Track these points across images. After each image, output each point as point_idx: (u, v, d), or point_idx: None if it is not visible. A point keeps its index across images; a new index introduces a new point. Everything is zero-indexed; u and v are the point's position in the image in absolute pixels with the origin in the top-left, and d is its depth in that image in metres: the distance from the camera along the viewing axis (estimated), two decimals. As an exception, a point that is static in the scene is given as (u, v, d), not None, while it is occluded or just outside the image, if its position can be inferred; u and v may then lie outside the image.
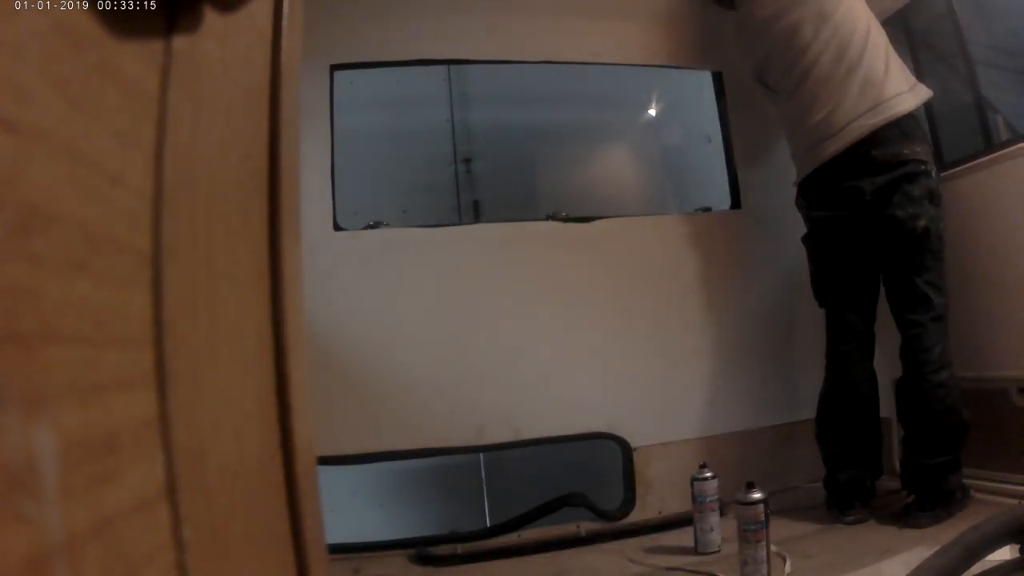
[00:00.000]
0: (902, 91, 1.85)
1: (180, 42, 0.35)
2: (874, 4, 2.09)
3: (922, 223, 1.79)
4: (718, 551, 1.70)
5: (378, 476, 2.63)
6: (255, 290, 0.43)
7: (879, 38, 1.92)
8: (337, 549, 1.89)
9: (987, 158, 1.91)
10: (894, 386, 1.95)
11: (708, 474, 1.74)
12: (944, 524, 1.67)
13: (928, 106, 2.23)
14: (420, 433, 2.00)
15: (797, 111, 1.99)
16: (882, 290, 1.96)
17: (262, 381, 0.43)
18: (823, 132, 1.91)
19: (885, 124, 1.81)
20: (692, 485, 1.74)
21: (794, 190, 2.05)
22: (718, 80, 2.43)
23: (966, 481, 1.82)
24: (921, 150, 1.83)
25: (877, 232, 1.87)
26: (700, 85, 2.58)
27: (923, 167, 1.81)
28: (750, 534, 1.49)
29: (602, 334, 2.17)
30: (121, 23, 0.31)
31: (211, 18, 0.38)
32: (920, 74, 2.22)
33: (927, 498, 1.75)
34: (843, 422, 1.93)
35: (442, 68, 2.75)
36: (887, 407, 2.03)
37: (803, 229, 2.05)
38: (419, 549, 1.87)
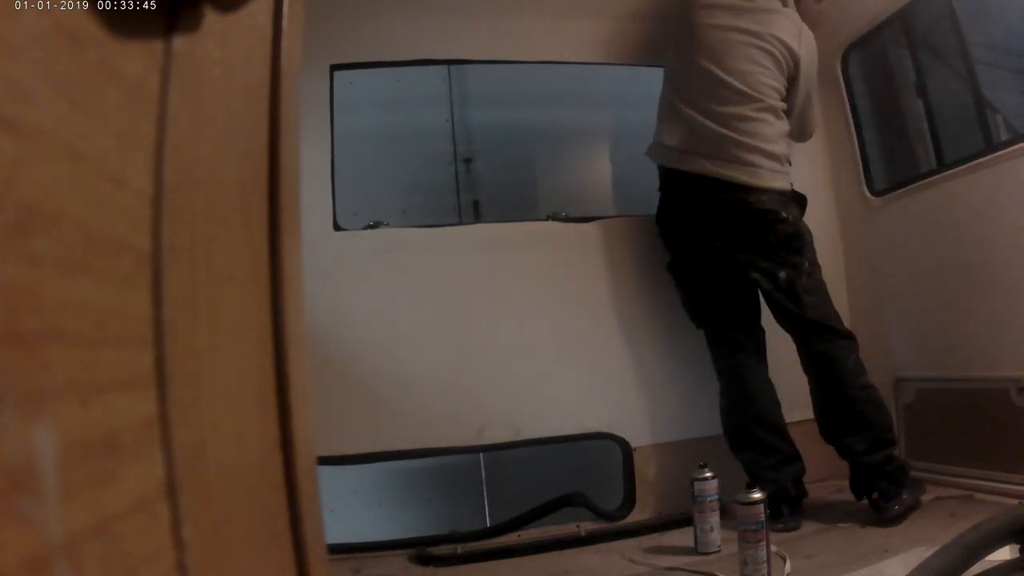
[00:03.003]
0: (769, 167, 1.88)
1: (180, 42, 0.35)
2: (874, 4, 2.10)
3: (783, 275, 1.84)
4: (718, 551, 1.70)
5: (378, 476, 2.63)
6: (255, 290, 0.43)
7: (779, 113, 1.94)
8: (337, 549, 1.89)
9: (987, 158, 1.91)
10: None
11: (708, 474, 1.74)
12: (929, 525, 1.68)
13: (928, 106, 2.23)
14: (420, 433, 2.00)
15: (676, 105, 2.00)
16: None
17: (262, 381, 0.43)
18: (683, 145, 1.94)
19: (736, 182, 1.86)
20: (692, 485, 1.74)
21: None
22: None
23: (968, 481, 1.83)
24: (768, 199, 1.85)
25: (742, 274, 1.91)
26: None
27: (772, 216, 1.85)
28: (750, 534, 1.49)
29: (602, 334, 2.17)
30: (121, 23, 0.31)
31: (211, 18, 0.38)
32: (920, 74, 2.22)
33: (887, 488, 1.77)
34: (749, 432, 1.94)
35: (442, 68, 2.74)
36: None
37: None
38: (419, 549, 1.87)
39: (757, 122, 1.89)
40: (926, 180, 2.14)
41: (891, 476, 1.79)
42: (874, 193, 2.33)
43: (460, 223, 2.76)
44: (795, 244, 1.86)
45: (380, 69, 2.27)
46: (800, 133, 2.11)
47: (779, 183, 1.89)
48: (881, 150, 2.45)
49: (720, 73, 1.91)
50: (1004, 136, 2.00)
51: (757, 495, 1.52)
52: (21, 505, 0.23)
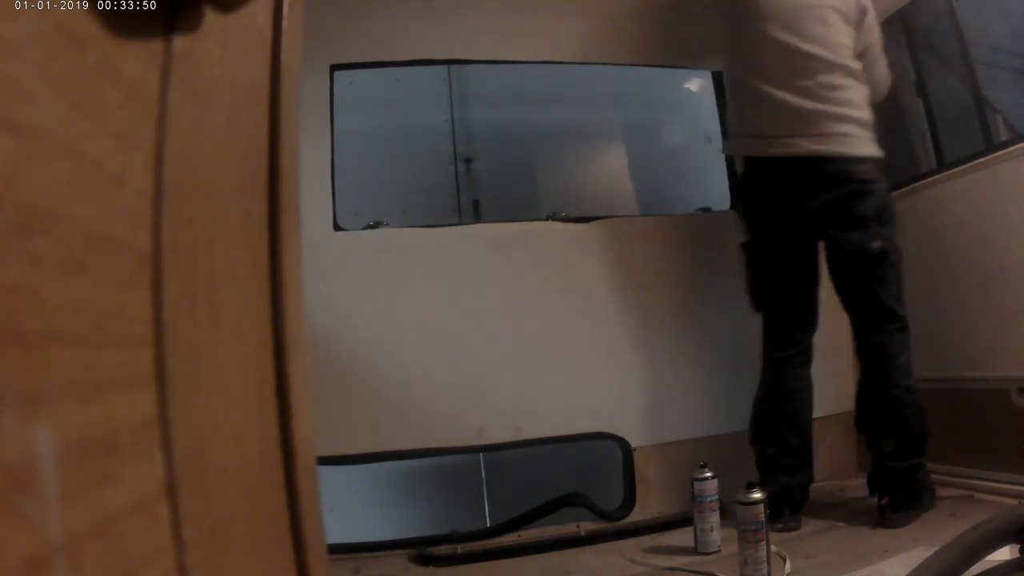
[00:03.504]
0: (861, 135, 1.85)
1: (180, 42, 0.35)
2: (874, 4, 2.09)
3: (876, 245, 1.80)
4: (718, 551, 1.70)
5: (378, 476, 2.63)
6: (255, 290, 0.43)
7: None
8: (337, 549, 1.89)
9: (987, 158, 1.91)
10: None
11: (708, 474, 1.74)
12: (929, 525, 1.69)
13: (928, 106, 2.22)
14: (420, 433, 2.00)
15: (749, 86, 1.94)
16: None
17: (262, 381, 0.43)
18: (769, 131, 1.88)
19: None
20: (692, 485, 1.74)
21: None
22: (718, 80, 2.42)
23: (969, 481, 1.83)
24: (866, 168, 1.82)
25: (828, 249, 1.88)
26: (700, 85, 2.58)
27: (868, 186, 1.81)
28: (750, 534, 1.49)
29: (602, 334, 2.17)
30: (121, 23, 0.31)
31: (211, 18, 0.38)
32: (920, 74, 2.22)
33: (900, 499, 1.77)
34: (777, 427, 1.94)
35: (442, 68, 2.74)
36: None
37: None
38: (419, 549, 1.87)
39: (844, 89, 1.85)
40: (926, 180, 2.14)
41: (909, 488, 1.79)
42: (874, 193, 2.33)
43: (460, 223, 2.76)
44: (886, 217, 1.83)
45: (380, 69, 2.27)
46: (875, 85, 2.00)
47: (873, 150, 1.86)
48: (881, 150, 2.45)
49: (798, 43, 1.84)
50: (1004, 136, 2.00)
51: (757, 495, 1.52)
52: (21, 505, 0.23)
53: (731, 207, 2.36)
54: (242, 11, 0.40)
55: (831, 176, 1.82)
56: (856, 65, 1.89)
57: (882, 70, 2.01)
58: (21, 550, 0.22)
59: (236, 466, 0.39)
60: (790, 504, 1.87)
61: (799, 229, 1.88)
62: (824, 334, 1.99)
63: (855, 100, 1.86)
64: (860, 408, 1.91)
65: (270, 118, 0.45)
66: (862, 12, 1.90)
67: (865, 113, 1.87)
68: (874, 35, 1.95)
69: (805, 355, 1.97)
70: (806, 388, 1.97)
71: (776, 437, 1.94)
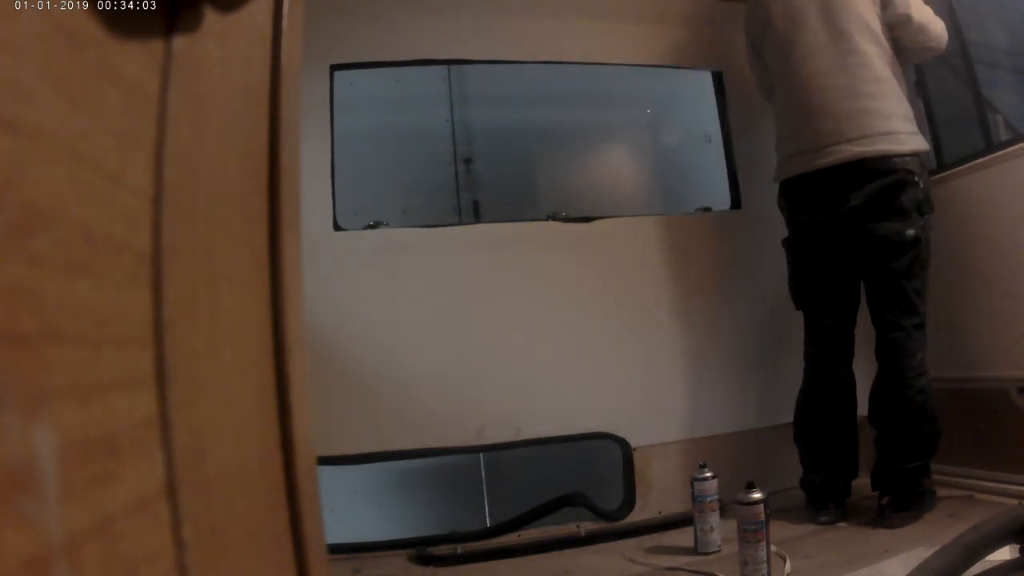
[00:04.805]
0: (908, 130, 1.84)
1: (180, 42, 0.35)
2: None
3: (911, 232, 1.79)
4: (718, 551, 1.70)
5: (378, 476, 2.63)
6: (255, 290, 0.43)
7: (898, 71, 1.88)
8: (337, 549, 1.89)
9: (987, 158, 1.91)
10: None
11: (708, 474, 1.74)
12: (929, 525, 1.69)
13: (928, 106, 2.22)
14: (420, 433, 2.00)
15: (789, 103, 1.96)
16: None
17: (262, 381, 0.43)
18: (813, 142, 1.88)
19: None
20: (692, 485, 1.74)
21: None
22: (718, 80, 2.43)
23: (969, 481, 1.83)
24: (910, 160, 1.82)
25: (864, 239, 1.86)
26: (700, 85, 2.58)
27: (911, 177, 1.80)
28: (750, 534, 1.49)
29: (602, 334, 2.17)
30: (121, 23, 0.31)
31: (211, 18, 0.38)
32: (920, 74, 2.22)
33: (901, 500, 1.78)
34: (819, 424, 1.94)
35: (442, 68, 2.74)
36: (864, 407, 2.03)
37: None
38: (419, 549, 1.87)
39: (885, 82, 1.83)
40: (926, 180, 2.13)
41: (911, 490, 1.79)
42: (874, 193, 2.33)
43: (460, 223, 2.76)
44: (925, 208, 1.83)
45: (380, 69, 2.27)
46: (929, 49, 1.93)
47: (919, 144, 1.85)
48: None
49: (832, 39, 1.85)
50: (1004, 136, 2.00)
51: (757, 495, 1.52)
52: (21, 505, 0.23)
53: (731, 206, 2.36)
54: (242, 11, 0.40)
55: (874, 170, 1.81)
56: (892, 52, 1.87)
57: (930, 29, 1.90)
58: (21, 550, 0.22)
59: (236, 466, 0.39)
60: (834, 497, 1.87)
61: (841, 223, 1.87)
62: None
63: (897, 92, 1.85)
64: (872, 402, 1.91)
65: (270, 118, 0.45)
66: None
67: (906, 106, 1.86)
68: (902, 5, 1.87)
69: (846, 352, 1.96)
70: (847, 385, 1.95)
71: (817, 435, 1.94)
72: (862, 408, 1.95)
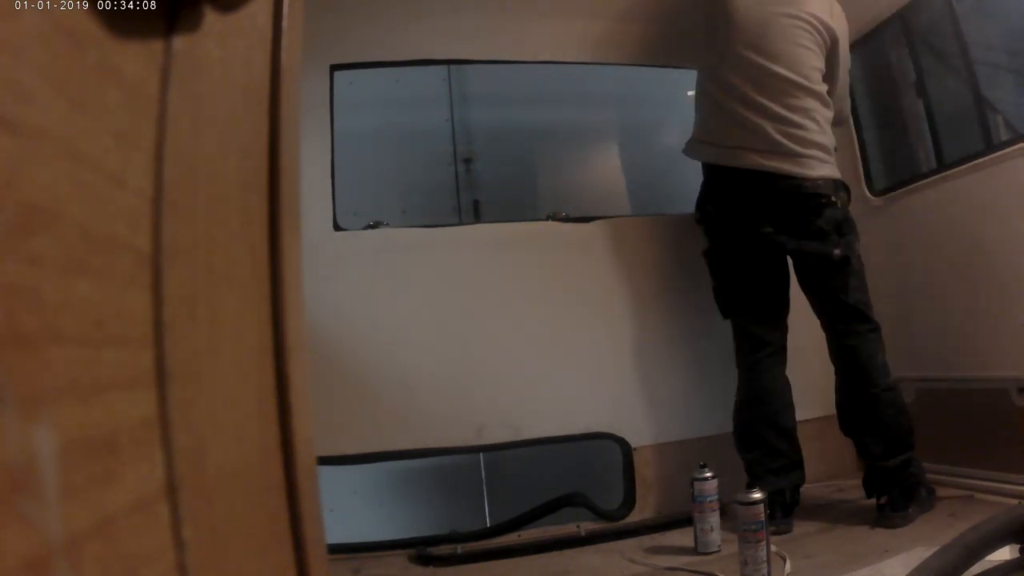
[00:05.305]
0: (820, 158, 1.86)
1: (180, 42, 0.35)
2: (874, 4, 2.09)
3: (838, 252, 1.82)
4: (718, 551, 1.70)
5: (378, 476, 2.63)
6: (255, 290, 0.43)
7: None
8: (337, 549, 1.89)
9: (987, 158, 1.91)
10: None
11: (708, 474, 1.74)
12: (929, 525, 1.69)
13: (928, 106, 2.22)
14: (420, 433, 2.00)
15: (715, 88, 1.97)
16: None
17: (262, 381, 0.43)
18: (728, 140, 1.91)
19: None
20: (692, 485, 1.74)
21: None
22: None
23: (968, 481, 1.83)
24: (826, 184, 1.84)
25: (793, 258, 1.90)
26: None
27: (827, 199, 1.83)
28: (750, 534, 1.49)
29: (602, 334, 2.17)
30: (121, 23, 0.31)
31: (211, 18, 0.38)
32: (920, 74, 2.22)
33: (898, 498, 1.78)
34: (761, 431, 1.93)
35: (442, 68, 2.74)
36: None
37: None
38: (419, 549, 1.87)
39: (806, 112, 1.86)
40: (926, 180, 2.14)
41: (904, 484, 1.79)
42: (874, 193, 2.33)
43: (460, 223, 2.76)
44: (845, 228, 1.85)
45: (380, 69, 2.27)
46: (839, 114, 2.04)
47: (830, 171, 1.87)
48: (881, 150, 2.45)
49: (764, 61, 1.86)
50: (1004, 136, 2.00)
51: (757, 495, 1.52)
52: (21, 505, 0.23)
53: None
54: (242, 11, 0.40)
55: (785, 192, 1.84)
56: (822, 88, 1.91)
57: (845, 105, 2.07)
58: (21, 550, 0.22)
59: (236, 466, 0.39)
60: (782, 506, 1.86)
61: (757, 239, 1.90)
62: (820, 334, 1.98)
63: (817, 124, 1.88)
64: (841, 412, 1.91)
65: (270, 118, 0.45)
66: (834, 42, 1.93)
67: (827, 138, 1.90)
68: (843, 69, 1.97)
69: (778, 357, 1.98)
70: (783, 389, 1.96)
71: (759, 441, 1.93)
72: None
